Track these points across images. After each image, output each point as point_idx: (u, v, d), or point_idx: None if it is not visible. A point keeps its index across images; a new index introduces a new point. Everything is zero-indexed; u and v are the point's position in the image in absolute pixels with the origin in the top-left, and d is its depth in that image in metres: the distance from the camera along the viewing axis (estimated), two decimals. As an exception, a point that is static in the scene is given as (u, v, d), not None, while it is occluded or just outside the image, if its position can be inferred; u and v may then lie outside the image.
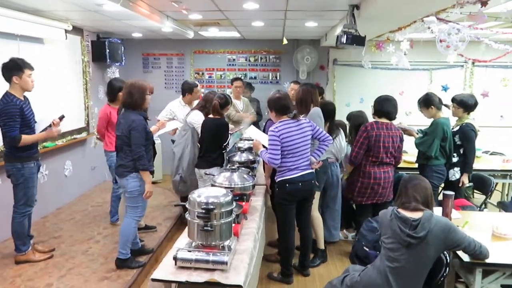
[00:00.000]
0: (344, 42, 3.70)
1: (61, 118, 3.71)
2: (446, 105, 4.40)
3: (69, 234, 4.48)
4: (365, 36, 3.76)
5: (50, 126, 3.66)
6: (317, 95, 3.89)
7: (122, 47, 6.68)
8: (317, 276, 3.88)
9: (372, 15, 3.73)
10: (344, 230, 4.77)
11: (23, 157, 3.53)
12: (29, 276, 3.54)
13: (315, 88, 3.91)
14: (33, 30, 4.46)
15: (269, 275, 3.80)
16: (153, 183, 3.77)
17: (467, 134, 4.27)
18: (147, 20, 4.51)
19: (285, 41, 5.74)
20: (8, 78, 3.45)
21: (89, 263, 3.81)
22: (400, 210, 2.44)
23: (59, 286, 3.38)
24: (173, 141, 5.28)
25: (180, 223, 5.13)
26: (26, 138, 3.47)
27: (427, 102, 4.24)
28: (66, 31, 5.07)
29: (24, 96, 3.58)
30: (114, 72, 6.68)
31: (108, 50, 6.19)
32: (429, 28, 3.95)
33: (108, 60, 6.24)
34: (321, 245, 4.12)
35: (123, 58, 6.74)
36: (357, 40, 3.71)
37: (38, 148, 3.82)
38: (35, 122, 3.63)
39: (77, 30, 5.60)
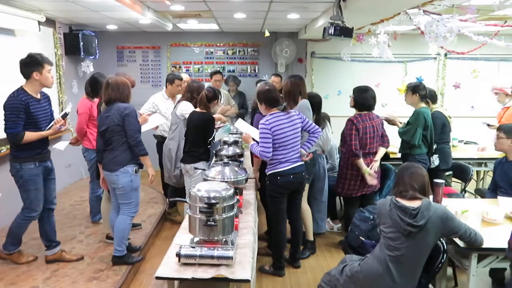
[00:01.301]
0: (332, 33, 3.70)
1: (64, 116, 3.51)
2: (427, 102, 4.55)
3: (49, 235, 4.29)
4: (352, 27, 3.77)
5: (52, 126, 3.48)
6: (305, 87, 3.88)
7: (96, 40, 6.45)
8: (308, 268, 3.90)
9: (358, 6, 3.74)
10: (330, 222, 4.82)
11: (21, 158, 3.31)
12: (11, 279, 3.37)
13: (303, 80, 3.90)
14: (5, 21, 4.21)
15: (260, 268, 3.78)
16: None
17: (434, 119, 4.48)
18: (126, 11, 4.35)
19: (267, 33, 5.69)
20: (27, 75, 3.24)
21: (74, 263, 3.66)
22: (398, 199, 2.48)
23: (46, 289, 3.24)
24: (155, 136, 5.16)
25: (164, 219, 5.03)
26: (29, 135, 3.26)
27: (415, 89, 4.36)
28: (39, 22, 4.82)
29: (43, 94, 3.40)
30: (88, 66, 6.43)
31: (82, 43, 5.95)
32: (410, 19, 4.02)
33: (82, 54, 6.01)
34: (310, 237, 4.14)
35: (97, 51, 6.51)
36: (345, 32, 3.71)
37: (46, 147, 3.50)
38: (51, 121, 3.42)
39: (49, 22, 5.33)
